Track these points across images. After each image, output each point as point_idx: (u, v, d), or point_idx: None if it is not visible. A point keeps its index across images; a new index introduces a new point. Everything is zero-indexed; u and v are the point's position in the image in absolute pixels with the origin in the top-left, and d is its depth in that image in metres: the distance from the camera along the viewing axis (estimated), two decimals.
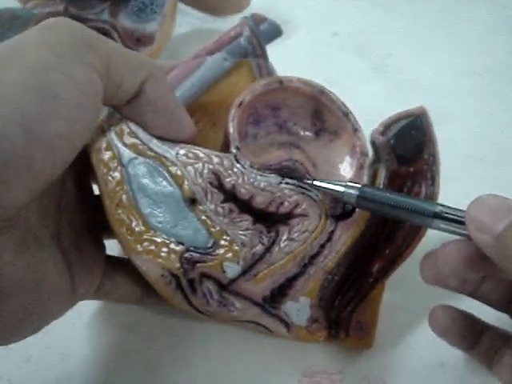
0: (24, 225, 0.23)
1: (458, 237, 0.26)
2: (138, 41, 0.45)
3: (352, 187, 0.27)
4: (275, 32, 0.35)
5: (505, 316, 0.29)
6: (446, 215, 0.26)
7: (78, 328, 0.33)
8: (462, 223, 0.25)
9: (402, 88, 0.49)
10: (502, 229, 0.23)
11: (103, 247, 0.30)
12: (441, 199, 0.32)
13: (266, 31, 0.35)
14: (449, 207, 0.26)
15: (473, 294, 0.29)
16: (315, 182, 0.28)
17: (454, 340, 0.30)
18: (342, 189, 0.27)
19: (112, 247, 0.31)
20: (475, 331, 0.29)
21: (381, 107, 0.45)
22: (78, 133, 0.23)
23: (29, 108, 0.21)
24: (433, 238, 0.37)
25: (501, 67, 0.52)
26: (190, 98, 0.32)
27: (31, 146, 0.21)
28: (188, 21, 0.55)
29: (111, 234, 0.30)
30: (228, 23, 0.48)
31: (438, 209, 0.26)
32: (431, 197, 0.32)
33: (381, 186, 0.30)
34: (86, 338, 0.33)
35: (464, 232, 0.25)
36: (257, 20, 0.35)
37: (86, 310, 0.34)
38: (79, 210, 0.28)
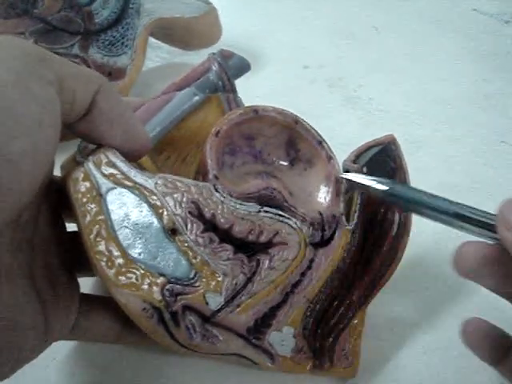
0: None
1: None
2: (109, 75, 0.45)
3: (382, 182, 0.29)
4: (244, 67, 0.36)
5: None
6: (466, 215, 0.26)
7: (52, 370, 0.32)
8: (482, 225, 0.25)
9: (374, 118, 0.50)
10: None
11: (77, 285, 0.29)
12: (415, 226, 0.32)
13: (234, 66, 0.35)
14: (471, 208, 0.26)
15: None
16: (344, 175, 0.30)
17: (484, 354, 0.29)
18: (372, 183, 0.29)
19: (86, 285, 0.30)
20: (504, 346, 0.29)
21: (353, 138, 0.45)
22: (42, 150, 0.22)
23: None
24: (411, 267, 0.37)
25: (469, 95, 0.53)
26: (160, 134, 0.32)
27: None
28: (158, 55, 0.56)
29: (85, 271, 0.30)
30: (198, 57, 0.49)
31: (459, 209, 0.26)
32: (405, 224, 0.32)
33: (357, 213, 0.31)
34: (60, 380, 0.32)
35: (485, 234, 0.25)
36: (225, 55, 0.35)
37: (60, 351, 0.32)
38: (53, 247, 0.27)
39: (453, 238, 0.29)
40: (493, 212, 0.25)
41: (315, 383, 0.32)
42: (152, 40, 0.51)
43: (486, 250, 0.25)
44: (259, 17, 0.62)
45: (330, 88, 0.53)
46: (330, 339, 0.31)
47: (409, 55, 0.58)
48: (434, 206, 0.27)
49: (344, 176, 0.30)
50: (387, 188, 0.28)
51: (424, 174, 0.44)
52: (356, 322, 0.31)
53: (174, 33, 0.50)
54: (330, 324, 0.31)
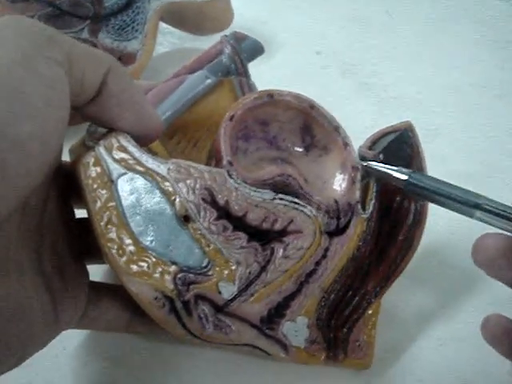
0: (3, 248, 0.22)
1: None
2: (119, 60, 0.44)
3: (402, 171, 0.29)
4: (257, 50, 0.35)
5: None
6: (486, 207, 0.26)
7: (62, 360, 0.31)
8: (502, 217, 0.26)
9: (388, 105, 0.49)
10: None
11: (86, 273, 0.28)
12: (431, 215, 0.32)
13: (247, 49, 0.34)
14: (491, 200, 0.27)
15: None
16: (370, 163, 0.30)
17: (504, 349, 0.29)
18: (391, 172, 0.29)
19: (95, 273, 0.29)
20: None
21: (367, 125, 0.45)
22: (50, 133, 0.22)
23: None
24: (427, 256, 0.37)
25: (484, 82, 0.52)
26: (171, 117, 0.31)
27: (3, 151, 0.20)
28: (169, 40, 0.55)
29: (94, 259, 0.29)
30: (209, 42, 0.48)
31: (480, 200, 0.27)
32: (421, 213, 0.32)
33: (373, 201, 0.30)
34: (70, 370, 0.31)
35: (505, 226, 0.26)
36: (238, 38, 0.34)
37: (70, 341, 0.32)
38: (61, 234, 0.26)
39: (469, 227, 0.29)
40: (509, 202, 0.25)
41: (329, 374, 0.31)
42: (162, 25, 0.50)
43: (504, 241, 0.26)
44: (270, 1, 0.61)
45: (342, 74, 0.53)
46: (345, 330, 0.30)
47: (423, 42, 0.57)
48: (453, 196, 0.27)
49: (363, 164, 0.30)
50: (407, 177, 0.28)
51: (439, 162, 0.43)
52: (371, 312, 0.31)
53: (185, 17, 0.49)
54: (345, 314, 0.30)
